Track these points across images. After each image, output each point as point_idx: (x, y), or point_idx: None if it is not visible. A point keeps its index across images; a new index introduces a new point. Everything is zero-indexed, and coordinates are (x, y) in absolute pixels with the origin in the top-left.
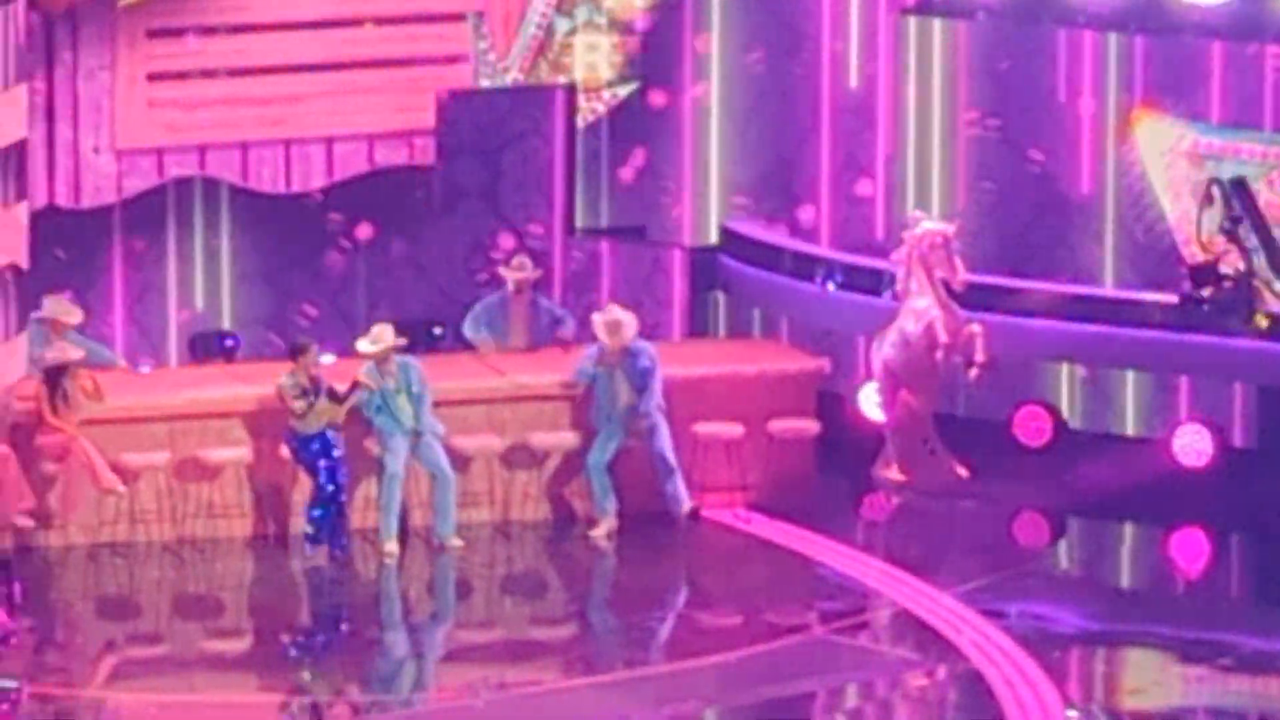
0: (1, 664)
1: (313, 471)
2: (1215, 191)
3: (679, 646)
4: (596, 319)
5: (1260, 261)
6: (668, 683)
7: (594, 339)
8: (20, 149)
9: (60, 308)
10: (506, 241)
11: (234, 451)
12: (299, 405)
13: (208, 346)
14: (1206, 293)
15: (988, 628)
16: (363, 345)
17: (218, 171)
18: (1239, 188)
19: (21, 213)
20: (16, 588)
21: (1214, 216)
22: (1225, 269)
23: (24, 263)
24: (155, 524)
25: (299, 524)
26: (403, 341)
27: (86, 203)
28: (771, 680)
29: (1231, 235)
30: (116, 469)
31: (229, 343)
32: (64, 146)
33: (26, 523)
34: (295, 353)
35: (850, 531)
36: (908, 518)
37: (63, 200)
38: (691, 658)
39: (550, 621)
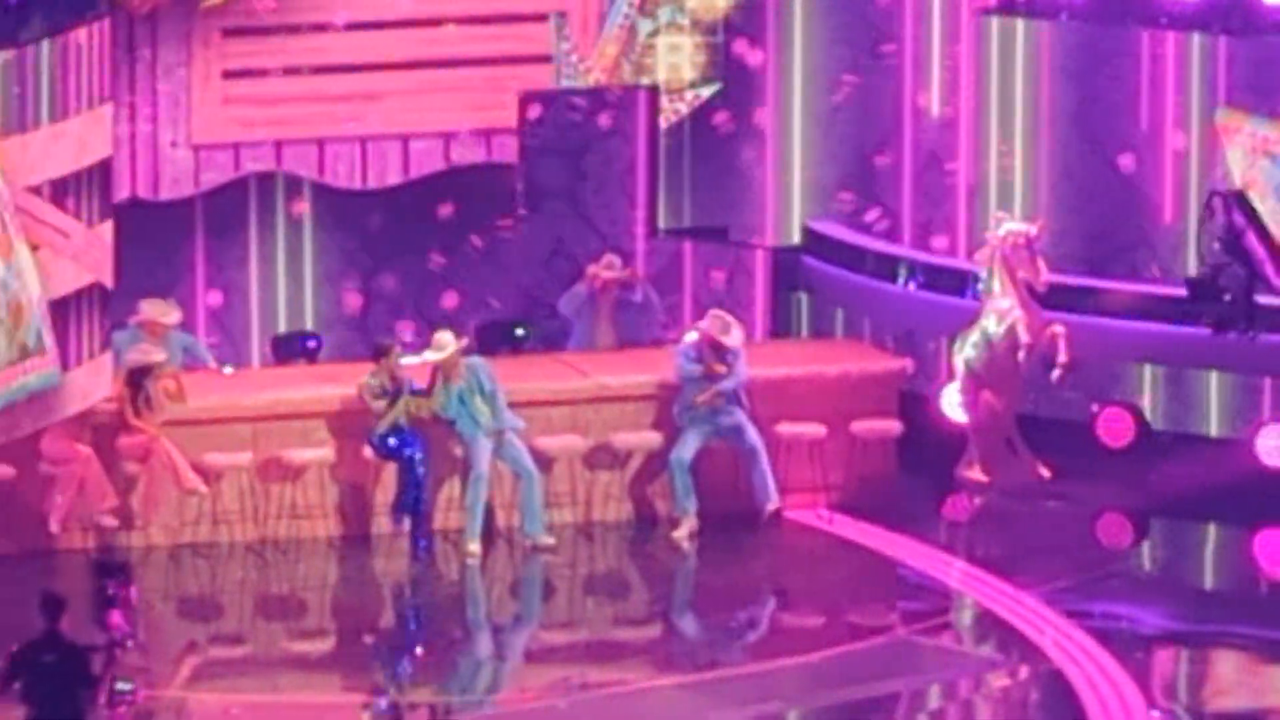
0: (118, 667)
1: (398, 461)
2: (1217, 204)
3: (761, 647)
4: (714, 316)
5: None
6: (750, 683)
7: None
8: (105, 167)
9: (158, 309)
10: (589, 242)
11: (317, 452)
12: (378, 405)
13: (290, 347)
14: (1205, 307)
15: (1070, 628)
16: (428, 354)
17: (294, 167)
18: (1240, 200)
19: (107, 232)
20: (133, 591)
21: (1214, 230)
22: (1225, 283)
23: (109, 282)
24: (238, 524)
25: (381, 524)
26: (465, 342)
27: (165, 195)
28: (854, 681)
29: (1231, 249)
30: (199, 470)
31: (311, 343)
32: (144, 140)
33: (110, 522)
34: (378, 353)
35: (933, 532)
36: (990, 518)
37: (143, 192)
38: (774, 658)
39: (633, 622)
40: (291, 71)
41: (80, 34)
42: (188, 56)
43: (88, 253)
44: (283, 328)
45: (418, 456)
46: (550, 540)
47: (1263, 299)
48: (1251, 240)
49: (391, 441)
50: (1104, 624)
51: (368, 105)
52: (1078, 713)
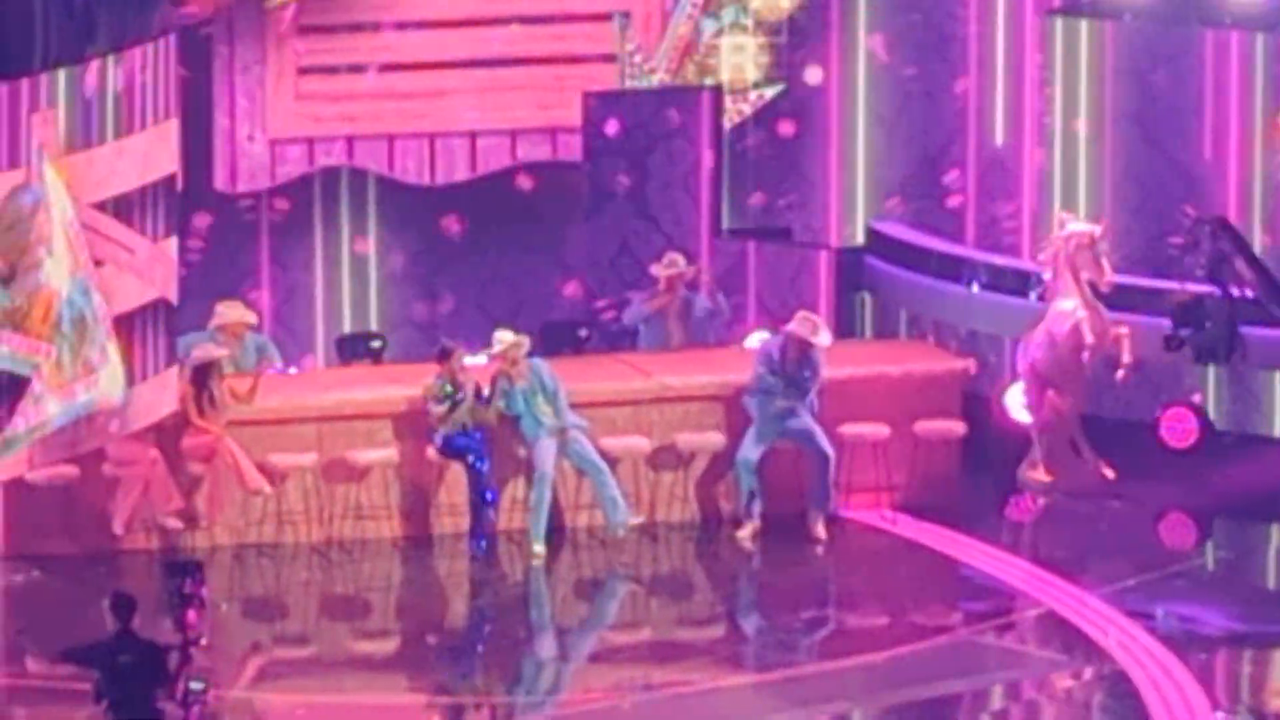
0: (192, 667)
1: (463, 460)
2: (1199, 231)
3: (825, 647)
4: (803, 318)
5: (1259, 291)
6: (814, 684)
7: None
8: (169, 184)
9: (235, 312)
10: (654, 242)
11: (381, 453)
12: (438, 410)
13: (355, 347)
14: (1186, 332)
15: (1134, 629)
16: (489, 350)
17: (364, 162)
18: (1224, 226)
19: (171, 247)
20: (205, 590)
21: (1198, 256)
22: (1209, 308)
23: (174, 297)
24: (302, 525)
25: (445, 525)
26: (526, 340)
27: (242, 187)
28: (918, 681)
29: (1214, 275)
30: (263, 470)
31: (375, 344)
32: (222, 134)
33: (175, 524)
34: (442, 356)
35: (996, 532)
36: (1054, 519)
37: (221, 184)
38: (837, 659)
39: (697, 623)
40: (359, 69)
41: (146, 49)
42: (263, 54)
43: (152, 268)
44: (347, 328)
45: (480, 459)
46: (639, 517)
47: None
48: (1238, 267)
49: (458, 442)
50: (1168, 624)
51: (435, 102)
52: (1141, 714)
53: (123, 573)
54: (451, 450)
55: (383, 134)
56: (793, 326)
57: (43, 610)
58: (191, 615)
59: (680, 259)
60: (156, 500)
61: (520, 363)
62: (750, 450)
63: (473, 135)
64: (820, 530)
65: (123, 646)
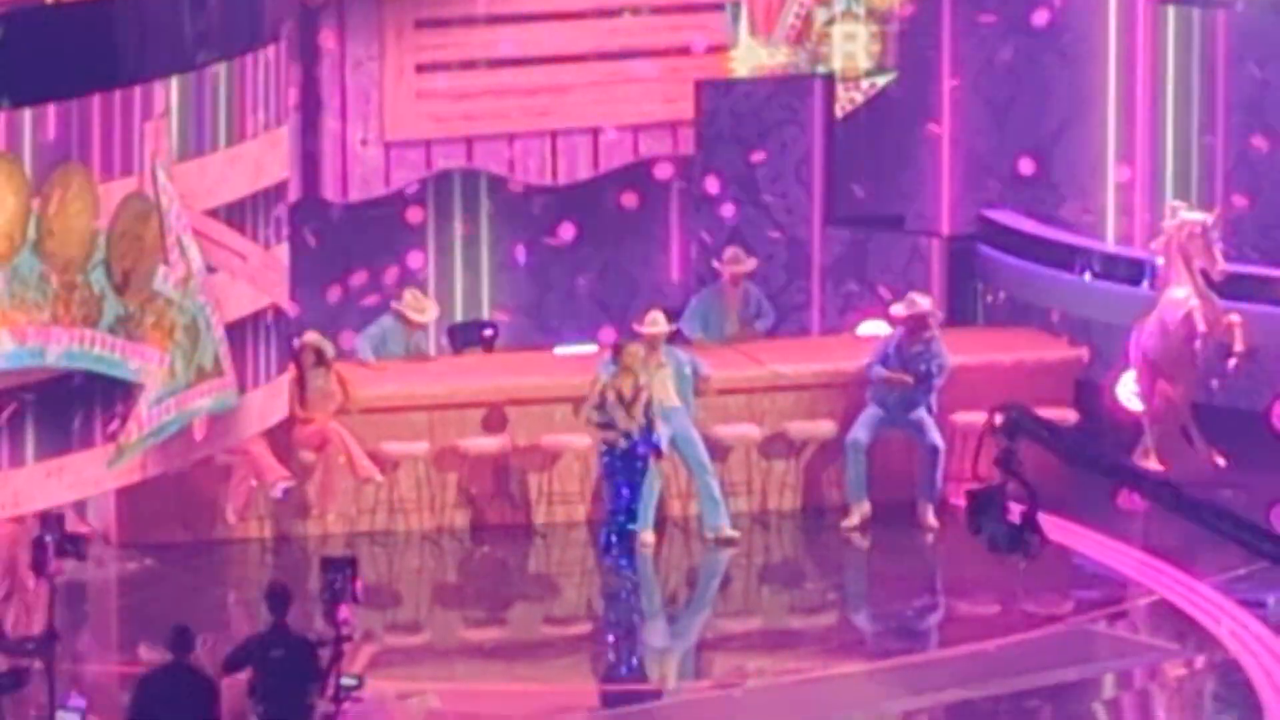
0: (345, 663)
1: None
2: (996, 420)
3: (936, 635)
4: (919, 302)
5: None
6: (925, 672)
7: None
8: (281, 190)
9: (416, 304)
10: (765, 230)
11: (492, 441)
12: (596, 416)
13: (467, 336)
14: (981, 522)
15: (1246, 617)
16: (636, 332)
17: (484, 164)
18: (1021, 416)
19: (283, 254)
20: (359, 585)
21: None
22: (1004, 499)
23: (286, 304)
24: (414, 513)
25: (555, 513)
26: (675, 328)
27: (355, 196)
28: (1029, 670)
29: (1007, 465)
30: (375, 458)
31: (487, 332)
32: (331, 139)
33: (286, 482)
34: (615, 351)
35: (1107, 521)
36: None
37: (330, 194)
38: (948, 647)
39: (808, 610)
40: (475, 65)
41: (257, 56)
42: (379, 50)
43: (264, 275)
44: (459, 317)
45: (631, 483)
46: (734, 532)
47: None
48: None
49: (654, 437)
50: (1279, 614)
51: (557, 99)
52: (1253, 703)
53: (233, 562)
54: (649, 447)
55: (504, 133)
56: (900, 309)
57: (156, 598)
58: (344, 611)
59: (742, 253)
60: (265, 476)
61: (659, 346)
62: (861, 433)
63: (594, 131)
64: (931, 519)
65: (276, 640)
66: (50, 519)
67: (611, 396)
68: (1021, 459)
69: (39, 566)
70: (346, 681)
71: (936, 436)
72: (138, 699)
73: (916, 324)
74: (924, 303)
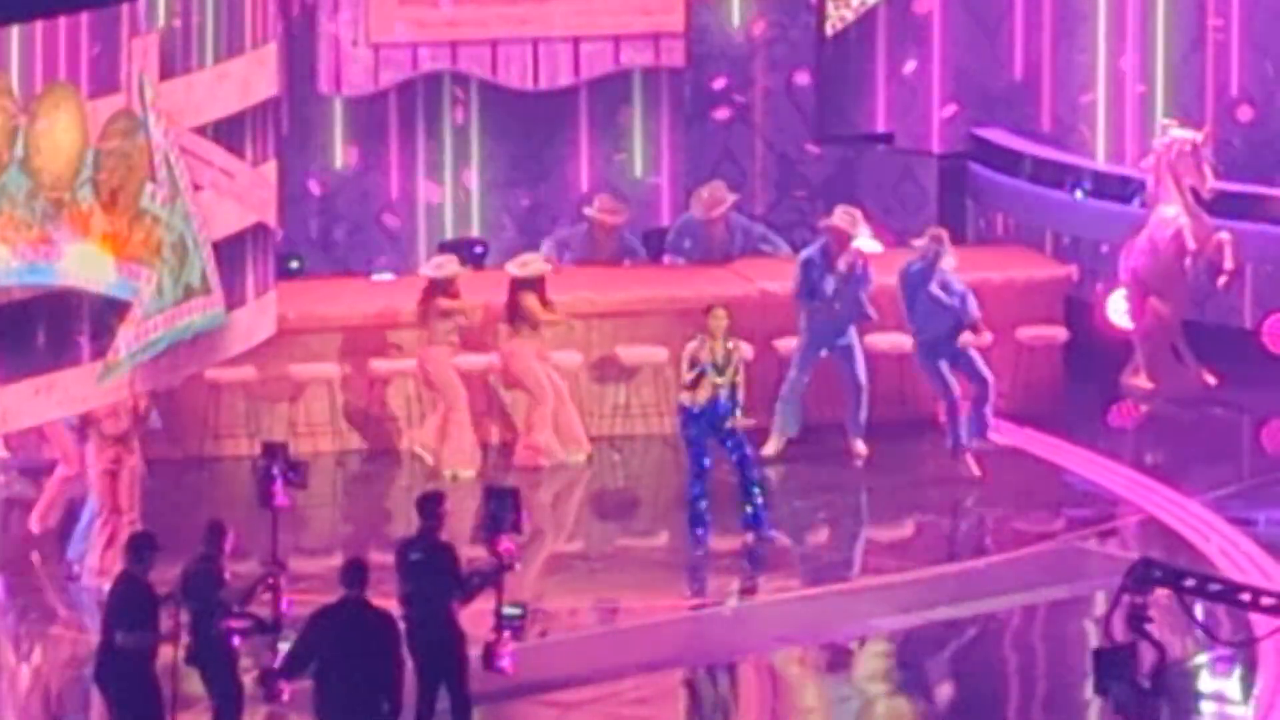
0: (504, 592)
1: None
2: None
3: (926, 553)
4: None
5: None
6: (915, 590)
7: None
8: (270, 107)
9: (848, 218)
10: (755, 148)
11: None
12: (688, 376)
13: (457, 253)
14: (1110, 686)
15: (1236, 535)
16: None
17: (468, 67)
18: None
19: (270, 172)
20: (524, 515)
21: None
22: (1134, 660)
23: (273, 221)
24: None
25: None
26: None
27: (347, 91)
28: (1020, 587)
29: (1137, 624)
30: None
31: (479, 249)
32: (327, 40)
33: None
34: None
35: (1098, 439)
36: (1155, 425)
37: (325, 88)
38: (938, 565)
39: (799, 528)
40: None
41: None
42: None
43: (251, 193)
44: (449, 234)
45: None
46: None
47: None
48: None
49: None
50: (1269, 530)
51: (539, 7)
52: (1243, 619)
53: (222, 479)
54: (688, 432)
55: (486, 39)
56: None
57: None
58: (505, 542)
59: (721, 187)
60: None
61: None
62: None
63: (575, 40)
64: (860, 448)
65: (416, 544)
66: (274, 450)
67: (706, 358)
68: (1152, 618)
69: (265, 498)
70: (509, 611)
71: (862, 371)
72: (315, 632)
73: (837, 238)
74: (844, 220)
